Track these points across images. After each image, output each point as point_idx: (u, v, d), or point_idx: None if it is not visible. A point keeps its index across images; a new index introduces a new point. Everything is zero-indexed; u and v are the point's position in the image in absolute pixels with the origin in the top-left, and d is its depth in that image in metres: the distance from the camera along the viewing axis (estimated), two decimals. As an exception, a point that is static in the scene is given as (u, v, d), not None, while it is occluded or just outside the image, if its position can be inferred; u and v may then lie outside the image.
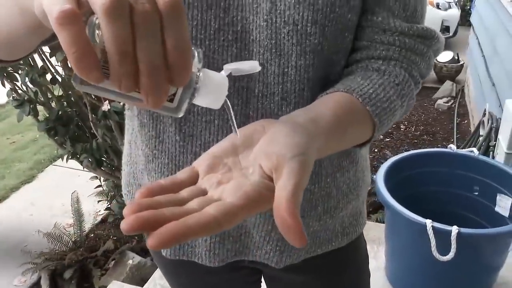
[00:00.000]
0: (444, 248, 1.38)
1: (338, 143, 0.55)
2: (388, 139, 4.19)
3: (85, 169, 2.53)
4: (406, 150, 2.13)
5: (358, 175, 0.79)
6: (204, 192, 0.41)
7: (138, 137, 0.74)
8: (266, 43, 0.60)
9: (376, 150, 3.98)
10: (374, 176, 1.67)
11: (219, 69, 0.61)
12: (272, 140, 0.43)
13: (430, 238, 1.37)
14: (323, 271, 0.85)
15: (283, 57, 0.61)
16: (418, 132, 4.34)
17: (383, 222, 1.87)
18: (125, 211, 0.35)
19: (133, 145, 0.78)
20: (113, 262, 2.65)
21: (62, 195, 3.24)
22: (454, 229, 1.34)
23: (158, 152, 0.71)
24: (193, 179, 0.43)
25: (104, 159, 2.49)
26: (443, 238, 1.36)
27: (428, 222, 1.37)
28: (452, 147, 1.79)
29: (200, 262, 0.79)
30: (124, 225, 0.34)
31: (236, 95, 0.63)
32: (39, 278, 2.60)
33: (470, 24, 5.17)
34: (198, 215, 0.36)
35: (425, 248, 1.41)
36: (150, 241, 0.33)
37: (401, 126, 4.45)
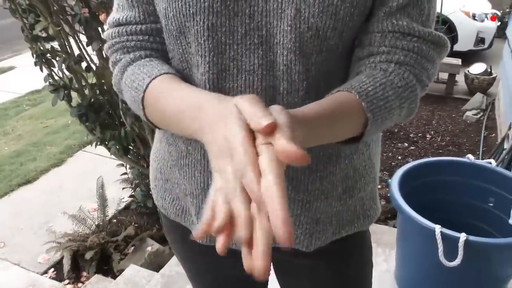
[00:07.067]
0: (451, 254, 1.41)
1: (327, 129, 0.61)
2: (412, 148, 4.17)
3: (112, 156, 2.62)
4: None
5: (372, 158, 0.84)
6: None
7: (170, 134, 0.80)
8: (290, 45, 0.65)
9: (400, 157, 3.97)
10: (390, 180, 1.70)
11: (246, 71, 0.67)
12: None
13: (438, 243, 1.40)
14: (331, 257, 0.89)
15: (306, 57, 0.66)
16: (444, 143, 4.30)
17: (397, 227, 1.90)
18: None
19: (164, 142, 0.84)
20: (132, 247, 2.73)
21: (89, 180, 3.34)
22: (462, 236, 1.36)
23: (192, 148, 0.77)
24: None
25: (131, 147, 2.57)
26: (451, 244, 1.39)
27: (437, 228, 1.40)
28: (470, 157, 1.80)
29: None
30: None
31: (263, 94, 0.69)
32: (62, 257, 2.71)
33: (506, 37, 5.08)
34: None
35: (433, 254, 1.44)
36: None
37: (427, 136, 4.42)
